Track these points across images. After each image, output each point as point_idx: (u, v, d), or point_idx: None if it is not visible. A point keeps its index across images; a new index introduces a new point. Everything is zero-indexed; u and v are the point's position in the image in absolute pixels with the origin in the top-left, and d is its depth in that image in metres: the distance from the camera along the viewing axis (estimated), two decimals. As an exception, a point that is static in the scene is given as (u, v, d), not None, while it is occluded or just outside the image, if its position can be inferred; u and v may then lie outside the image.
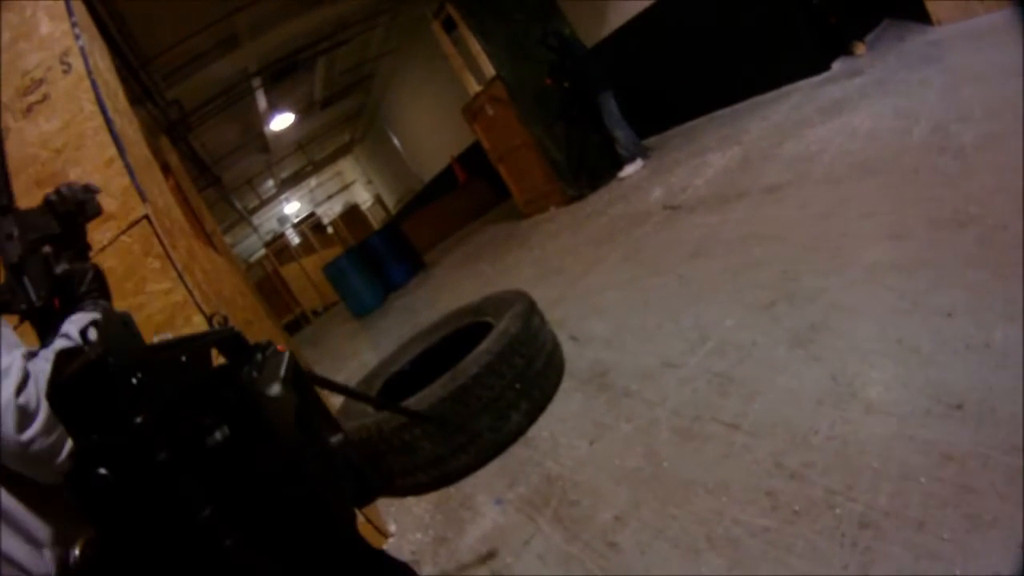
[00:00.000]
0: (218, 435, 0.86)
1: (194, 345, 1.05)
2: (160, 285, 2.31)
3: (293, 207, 27.10)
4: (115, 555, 0.79)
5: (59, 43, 2.64)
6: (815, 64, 6.42)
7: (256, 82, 12.41)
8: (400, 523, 2.80)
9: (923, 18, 5.38)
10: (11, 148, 2.50)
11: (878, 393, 1.80)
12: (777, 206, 3.60)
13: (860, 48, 6.12)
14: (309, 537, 0.92)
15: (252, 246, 25.35)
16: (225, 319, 1.34)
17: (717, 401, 2.22)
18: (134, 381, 0.79)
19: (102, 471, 0.75)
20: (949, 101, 3.57)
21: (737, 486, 1.79)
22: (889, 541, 1.37)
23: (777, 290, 2.68)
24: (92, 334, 0.83)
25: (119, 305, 2.31)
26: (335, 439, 1.25)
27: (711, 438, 2.05)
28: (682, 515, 1.82)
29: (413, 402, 2.76)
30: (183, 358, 0.97)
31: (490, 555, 2.21)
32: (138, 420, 0.76)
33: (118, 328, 0.86)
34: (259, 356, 1.21)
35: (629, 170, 7.49)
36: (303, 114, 16.87)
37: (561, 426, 2.75)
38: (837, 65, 6.28)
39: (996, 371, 1.60)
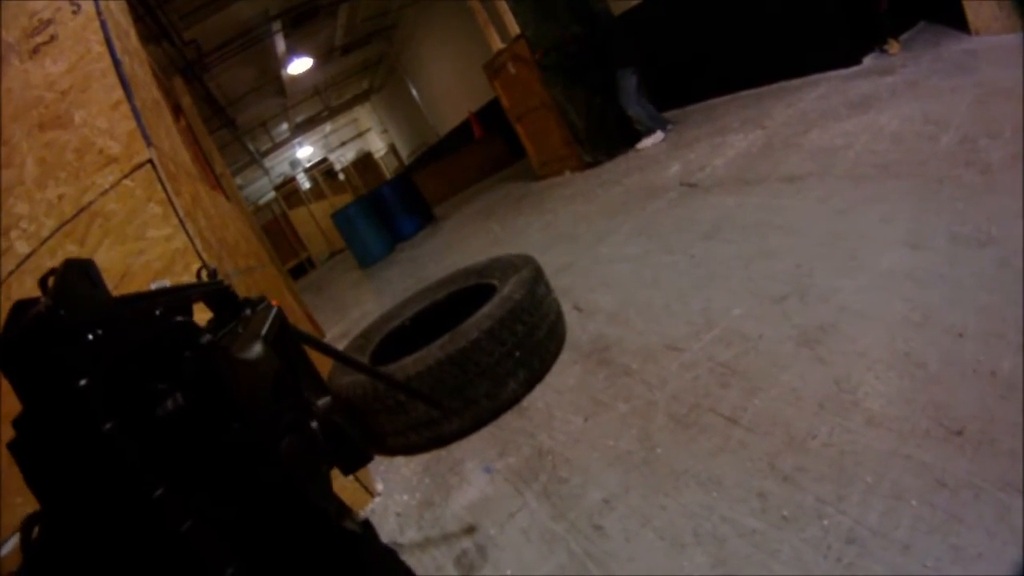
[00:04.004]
0: (169, 403, 0.74)
1: (173, 297, 0.98)
2: (161, 231, 2.29)
3: (306, 152, 27.03)
4: (60, 534, 0.69)
5: (69, -18, 2.59)
6: (847, 56, 6.29)
7: (276, 25, 12.32)
8: (388, 483, 2.80)
9: (961, 26, 5.24)
10: (16, 90, 2.47)
11: (880, 406, 1.77)
12: (796, 197, 3.55)
13: (894, 46, 5.99)
14: (277, 525, 0.84)
15: (262, 188, 25.41)
16: (214, 272, 1.27)
17: (717, 391, 2.20)
18: (90, 337, 0.70)
19: (44, 440, 0.67)
20: (980, 114, 3.48)
21: (729, 482, 1.78)
22: (873, 560, 1.35)
23: (789, 284, 2.65)
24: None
25: (119, 251, 2.32)
26: (322, 402, 1.20)
27: (707, 429, 2.04)
28: (671, 505, 1.81)
29: (411, 362, 2.75)
30: (157, 312, 0.87)
31: (474, 524, 2.21)
32: (82, 383, 0.67)
33: (76, 277, 0.76)
34: (248, 311, 1.16)
35: (647, 142, 7.43)
36: (322, 59, 16.79)
37: (557, 399, 2.73)
38: (869, 60, 6.16)
39: (1000, 401, 1.57)
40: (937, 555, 1.30)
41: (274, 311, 1.18)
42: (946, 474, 1.46)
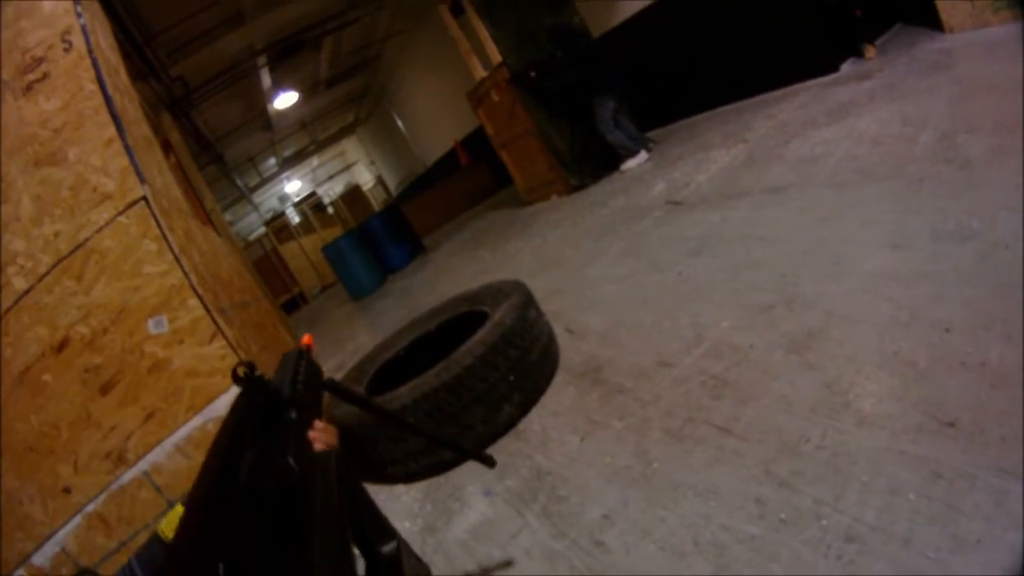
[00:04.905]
0: None
1: (231, 468, 0.82)
2: (156, 267, 2.31)
3: (294, 186, 27.10)
4: None
5: (61, 21, 2.62)
6: (824, 64, 6.40)
7: (261, 60, 12.41)
8: (389, 511, 2.76)
9: (935, 25, 5.35)
10: (11, 127, 2.50)
11: (871, 405, 1.79)
12: (780, 208, 3.60)
13: (870, 51, 6.09)
14: None
15: (252, 224, 25.39)
16: (251, 367, 1.03)
17: (710, 403, 2.21)
18: None
19: None
20: (958, 111, 3.55)
21: (726, 491, 1.79)
22: (874, 556, 1.36)
23: (776, 293, 2.68)
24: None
25: (116, 287, 2.34)
26: (387, 549, 1.10)
27: (702, 441, 2.05)
28: (670, 517, 1.82)
29: (406, 391, 2.76)
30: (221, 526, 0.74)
31: (477, 548, 2.21)
32: None
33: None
34: (293, 414, 1.01)
35: (631, 164, 7.48)
36: (307, 93, 16.86)
37: (553, 420, 2.75)
38: (846, 67, 6.26)
39: (990, 391, 1.60)
40: (937, 545, 1.31)
41: (333, 457, 1.00)
42: (941, 465, 1.48)
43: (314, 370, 1.23)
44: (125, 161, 2.40)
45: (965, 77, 4.13)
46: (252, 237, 22.27)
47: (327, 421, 1.18)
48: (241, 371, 1.01)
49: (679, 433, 2.16)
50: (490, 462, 1.83)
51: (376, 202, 23.57)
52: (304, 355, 1.21)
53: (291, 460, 0.90)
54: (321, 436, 1.06)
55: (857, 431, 1.73)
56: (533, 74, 7.65)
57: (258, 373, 1.01)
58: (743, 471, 1.82)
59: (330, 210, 21.88)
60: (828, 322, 2.29)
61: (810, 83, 6.50)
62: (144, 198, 2.34)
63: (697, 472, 1.93)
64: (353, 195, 22.80)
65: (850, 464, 1.63)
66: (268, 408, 0.99)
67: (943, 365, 1.80)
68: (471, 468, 2.73)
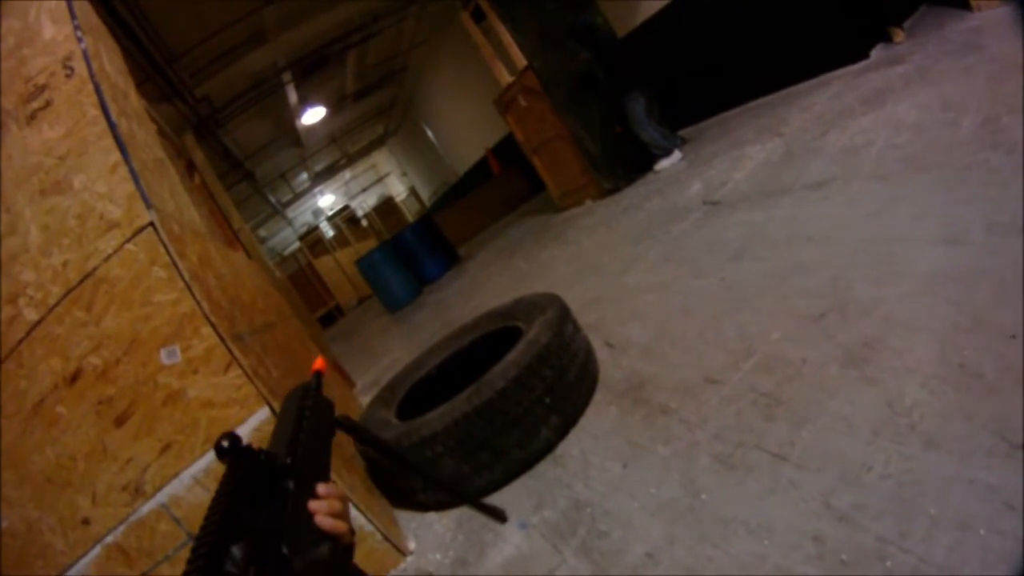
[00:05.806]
0: None
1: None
2: (166, 296, 2.27)
3: (327, 200, 27.36)
4: None
5: (62, 47, 2.61)
6: (853, 51, 6.20)
7: (286, 77, 12.46)
8: (420, 540, 2.69)
9: (962, 3, 5.21)
10: (16, 156, 2.48)
11: (937, 426, 1.62)
12: (824, 204, 3.42)
13: (899, 35, 5.90)
14: None
15: (287, 239, 25.67)
16: (234, 439, 0.85)
17: (762, 426, 2.05)
18: None
19: None
20: (997, 91, 3.37)
21: (782, 527, 1.63)
22: (946, 602, 1.21)
23: (828, 299, 2.50)
24: None
25: (126, 317, 2.27)
26: None
27: (755, 469, 1.89)
28: (720, 557, 1.67)
29: (436, 416, 2.66)
30: None
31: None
32: None
33: None
34: (290, 484, 0.88)
35: (665, 163, 7.33)
36: (335, 108, 16.96)
37: (593, 444, 2.60)
38: (876, 52, 6.05)
39: (1062, 406, 1.43)
40: (1011, 587, 1.17)
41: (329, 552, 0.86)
42: (1013, 495, 1.33)
43: (323, 410, 1.10)
44: (131, 187, 2.36)
45: (999, 56, 3.94)
46: (287, 252, 22.52)
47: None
48: (226, 444, 0.85)
49: (729, 460, 2.00)
50: (501, 516, 1.73)
51: (410, 213, 23.65)
52: (311, 394, 1.09)
53: (285, 548, 0.78)
54: (324, 506, 0.90)
55: (923, 456, 1.56)
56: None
57: (245, 443, 0.85)
58: (800, 504, 1.66)
59: (364, 222, 22.00)
60: (886, 330, 2.11)
61: (841, 71, 6.30)
62: (151, 224, 2.29)
63: (750, 505, 1.77)
64: (386, 207, 22.93)
65: (916, 495, 1.47)
66: (261, 483, 0.85)
67: (1011, 377, 1.62)
68: (507, 496, 2.61)
